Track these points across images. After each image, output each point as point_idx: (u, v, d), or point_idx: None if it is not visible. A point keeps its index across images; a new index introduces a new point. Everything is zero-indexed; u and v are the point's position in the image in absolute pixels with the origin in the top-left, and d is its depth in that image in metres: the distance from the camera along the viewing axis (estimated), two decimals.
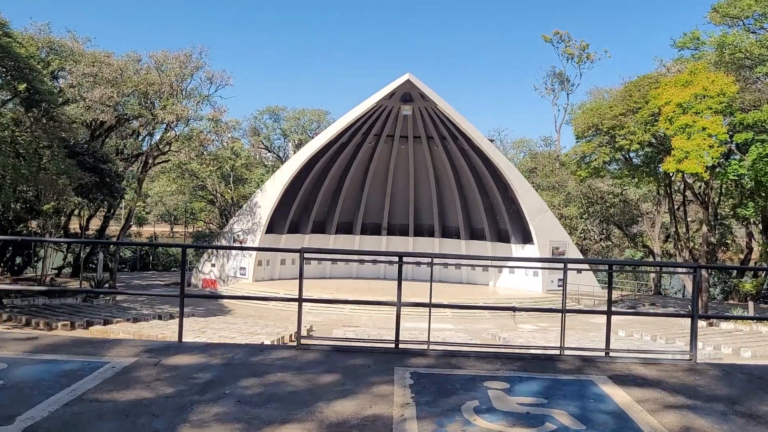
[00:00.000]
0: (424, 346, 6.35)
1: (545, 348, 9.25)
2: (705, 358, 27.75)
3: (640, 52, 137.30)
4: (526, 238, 46.16)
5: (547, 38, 66.37)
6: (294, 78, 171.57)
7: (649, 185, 48.74)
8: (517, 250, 47.18)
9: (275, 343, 26.06)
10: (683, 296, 57.52)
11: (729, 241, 53.18)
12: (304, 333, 25.95)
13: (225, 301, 41.42)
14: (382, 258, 50.73)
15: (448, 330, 34.04)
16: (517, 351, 6.79)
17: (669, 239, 58.09)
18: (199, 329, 28.13)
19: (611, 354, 6.75)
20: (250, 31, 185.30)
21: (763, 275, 42.06)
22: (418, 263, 50.57)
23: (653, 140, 37.27)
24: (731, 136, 33.32)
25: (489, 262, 44.30)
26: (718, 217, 46.55)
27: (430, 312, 6.52)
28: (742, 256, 52.02)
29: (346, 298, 40.70)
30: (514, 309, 6.97)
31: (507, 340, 30.71)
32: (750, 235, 49.00)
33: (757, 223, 48.29)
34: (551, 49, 70.11)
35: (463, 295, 42.53)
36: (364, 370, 5.26)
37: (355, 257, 49.99)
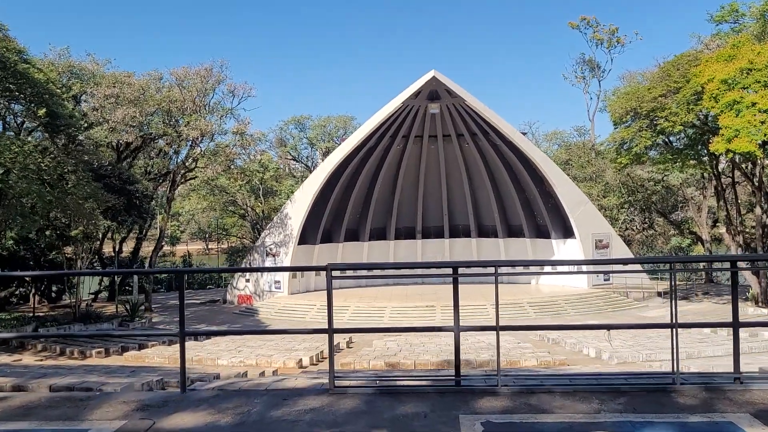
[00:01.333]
0: (492, 379, 5.02)
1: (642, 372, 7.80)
2: None
3: (672, 32, 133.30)
4: (567, 233, 44.34)
5: (573, 25, 64.31)
6: (317, 86, 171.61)
7: (693, 169, 46.51)
8: (558, 245, 45.38)
9: (314, 360, 24.94)
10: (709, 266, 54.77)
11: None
12: (342, 345, 24.72)
13: (262, 316, 40.60)
14: (425, 268, 49.46)
15: (492, 334, 32.48)
16: (611, 377, 5.40)
17: (717, 224, 55.56)
18: (236, 348, 27.16)
19: (744, 380, 5.22)
20: (267, 41, 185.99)
21: None
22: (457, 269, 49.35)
23: (697, 121, 35.27)
24: None
25: (566, 267, 42.53)
26: None
27: (498, 338, 5.20)
28: None
29: (385, 305, 39.50)
30: (608, 327, 5.51)
31: (557, 341, 29.06)
32: None
33: None
34: (579, 36, 68.06)
35: (505, 296, 40.90)
36: (420, 422, 4.01)
37: (392, 272, 49.02)
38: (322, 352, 26.68)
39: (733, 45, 33.47)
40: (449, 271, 5.27)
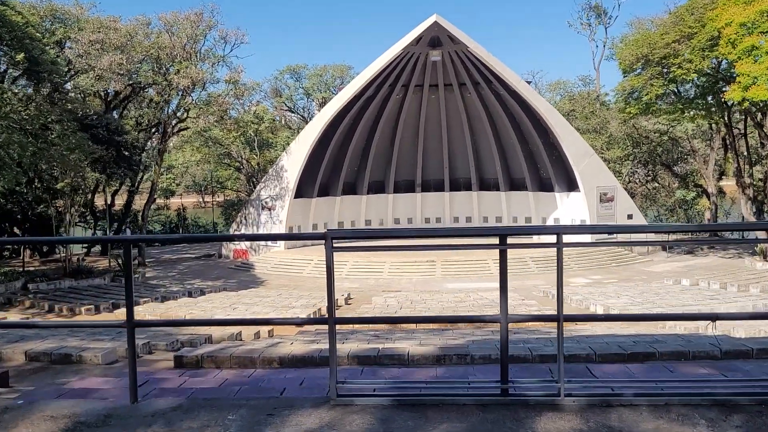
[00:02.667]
0: (551, 386, 3.77)
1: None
2: None
3: None
4: (571, 186, 43.08)
5: None
6: (313, 34, 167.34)
7: (702, 119, 44.99)
8: (561, 198, 44.18)
9: (311, 316, 23.98)
10: (742, 237, 53.91)
11: None
12: (341, 302, 23.63)
13: (258, 271, 39.65)
14: (418, 216, 48.35)
15: (496, 290, 31.56)
16: (712, 382, 4.08)
17: (723, 176, 54.31)
18: (231, 305, 26.22)
19: None
20: None
21: None
22: (456, 219, 48.30)
23: (710, 69, 33.66)
24: None
25: (569, 219, 41.39)
26: None
27: (560, 330, 4.00)
28: None
29: (383, 260, 38.54)
30: (714, 318, 4.17)
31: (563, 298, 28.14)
32: None
33: None
34: None
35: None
36: None
37: (392, 225, 47.74)
38: (320, 309, 25.79)
39: None
40: (494, 240, 4.03)
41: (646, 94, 34.71)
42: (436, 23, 37.79)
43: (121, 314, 25.14)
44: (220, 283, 35.17)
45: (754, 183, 39.32)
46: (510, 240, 3.92)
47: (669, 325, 20.39)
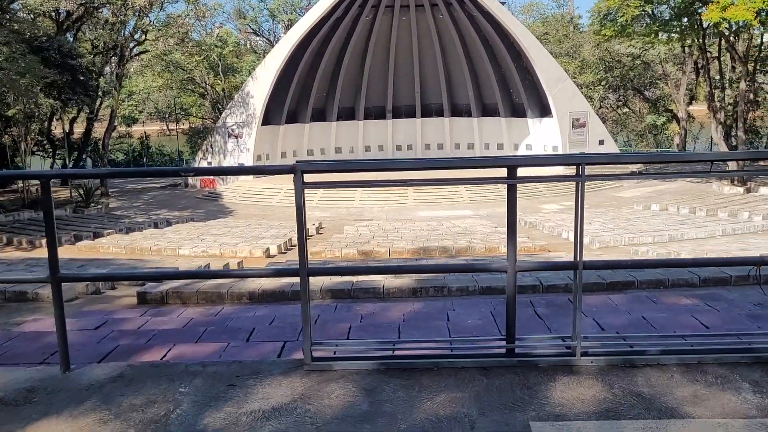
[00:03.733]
0: (561, 342, 3.21)
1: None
2: (758, 228, 25.16)
3: None
4: (544, 111, 42.48)
5: None
6: None
7: (677, 42, 44.28)
8: (534, 124, 43.64)
9: (282, 249, 23.49)
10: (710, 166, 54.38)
11: (760, 99, 49.11)
12: (312, 231, 23.08)
13: (226, 200, 38.81)
14: (389, 143, 47.50)
15: (468, 217, 31.40)
16: (745, 336, 3.55)
17: (693, 101, 54.21)
18: (198, 236, 25.56)
19: None
20: None
21: None
22: (428, 146, 47.60)
23: None
24: None
25: (541, 146, 40.84)
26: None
27: (579, 279, 3.45)
28: None
29: (354, 190, 37.93)
30: (760, 263, 3.60)
31: (534, 224, 28.09)
32: None
33: None
34: None
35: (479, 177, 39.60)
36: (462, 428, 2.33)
37: (363, 153, 46.80)
38: (290, 239, 25.25)
39: None
40: (501, 171, 3.43)
41: (621, 16, 33.73)
42: None
43: (84, 247, 24.32)
44: (187, 213, 34.32)
45: (725, 107, 39.15)
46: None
47: (641, 251, 20.43)
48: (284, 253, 23.62)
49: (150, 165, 58.28)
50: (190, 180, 43.71)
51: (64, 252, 23.80)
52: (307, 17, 39.69)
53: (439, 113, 46.76)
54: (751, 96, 38.20)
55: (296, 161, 3.08)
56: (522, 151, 44.97)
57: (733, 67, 42.05)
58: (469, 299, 9.58)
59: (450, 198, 36.30)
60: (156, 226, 29.56)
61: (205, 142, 44.51)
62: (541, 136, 43.36)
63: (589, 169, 3.15)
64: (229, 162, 42.04)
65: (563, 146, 41.69)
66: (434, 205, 35.38)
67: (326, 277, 13.61)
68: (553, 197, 37.07)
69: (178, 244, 23.40)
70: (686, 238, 23.18)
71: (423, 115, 46.87)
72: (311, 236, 27.95)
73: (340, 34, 42.83)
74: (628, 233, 23.84)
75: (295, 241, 25.58)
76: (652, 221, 27.05)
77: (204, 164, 43.16)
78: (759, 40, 37.81)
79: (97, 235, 26.59)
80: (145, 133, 64.03)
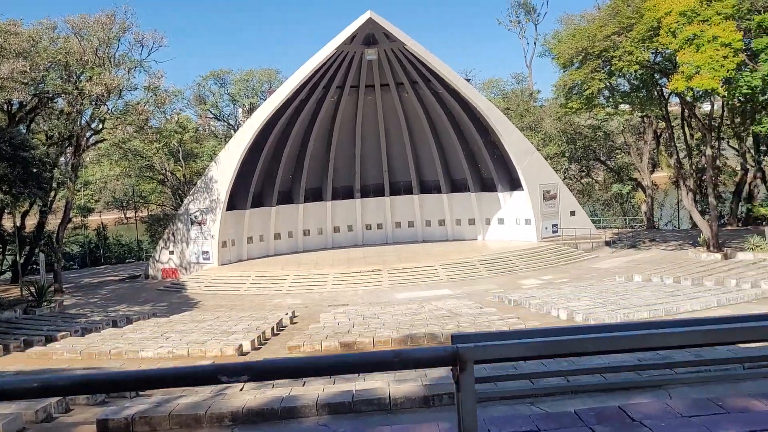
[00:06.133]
0: None
1: None
2: (752, 296, 24.36)
3: None
4: (514, 185, 42.15)
5: None
6: (237, 37, 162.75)
7: (632, 114, 45.06)
8: (505, 198, 43.18)
9: (255, 344, 21.60)
10: (678, 227, 54.77)
11: (721, 165, 50.04)
12: (286, 321, 21.20)
13: (190, 291, 36.69)
14: (358, 223, 46.41)
15: (449, 297, 30.00)
16: None
17: (656, 169, 54.98)
18: (162, 335, 23.41)
19: None
20: None
21: None
22: (398, 224, 46.64)
23: (648, 61, 33.24)
24: (747, 44, 29.47)
25: (513, 219, 39.98)
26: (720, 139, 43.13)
27: None
28: (736, 179, 49.11)
29: (327, 272, 36.39)
30: None
31: (518, 302, 26.83)
32: (744, 155, 45.94)
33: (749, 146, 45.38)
34: None
35: (455, 255, 38.55)
36: None
37: (331, 235, 45.40)
38: (264, 332, 23.37)
39: None
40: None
41: (587, 89, 33.95)
42: (370, 20, 35.96)
43: (35, 354, 21.90)
44: (148, 307, 32.11)
45: (693, 174, 39.44)
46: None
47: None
48: (258, 348, 21.75)
49: (107, 256, 55.66)
50: (151, 270, 41.55)
51: (12, 361, 21.36)
52: (271, 101, 39.07)
53: (408, 191, 46.09)
54: (717, 162, 38.54)
55: (455, 343, 1.69)
56: (494, 225, 44.32)
57: (692, 135, 42.80)
58: (501, 406, 8.04)
59: (427, 277, 34.99)
60: (115, 324, 27.29)
61: (167, 230, 42.62)
62: (513, 209, 42.89)
63: None
64: (192, 250, 40.14)
65: (536, 218, 41.21)
66: (411, 286, 33.98)
67: (318, 384, 11.86)
68: (531, 271, 36.14)
69: (141, 345, 21.32)
70: (682, 311, 22.16)
71: (392, 193, 46.13)
72: (285, 327, 26.12)
73: (305, 116, 42.31)
74: (621, 309, 22.72)
75: (268, 333, 23.81)
76: (641, 294, 26.08)
77: (165, 253, 41.12)
78: (719, 108, 38.59)
79: (49, 339, 24.20)
80: (102, 222, 61.71)
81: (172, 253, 40.90)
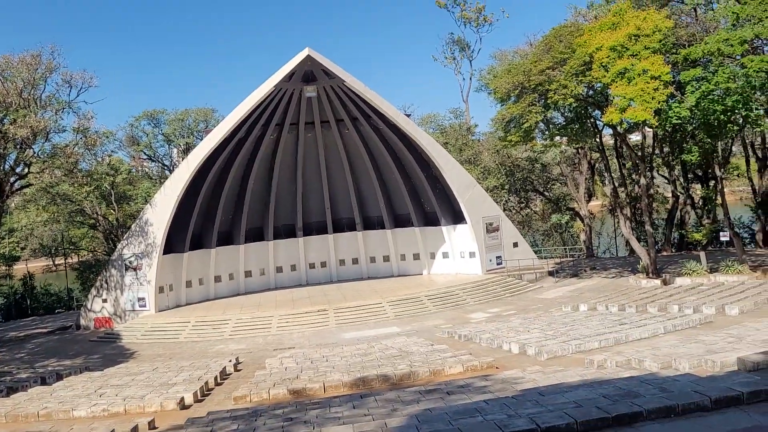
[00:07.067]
0: None
1: None
2: (696, 321, 24.73)
3: (540, 8, 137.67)
4: (457, 218, 42.26)
5: (441, 3, 62.74)
6: (173, 78, 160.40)
7: (568, 146, 46.31)
8: (449, 232, 43.20)
9: (198, 396, 20.37)
10: (616, 255, 56.10)
11: (653, 193, 51.81)
12: (229, 369, 20.13)
13: (126, 341, 34.76)
14: (302, 262, 45.48)
15: (398, 335, 29.37)
16: None
17: (592, 198, 56.49)
18: (96, 391, 21.82)
19: None
20: (111, 32, 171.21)
21: (709, 223, 40.35)
22: (342, 262, 45.94)
23: (585, 93, 34.19)
24: (675, 76, 30.65)
25: (458, 253, 39.75)
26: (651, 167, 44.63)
27: None
28: (668, 206, 50.85)
29: (271, 314, 35.22)
30: None
31: (469, 337, 26.48)
32: (674, 183, 47.66)
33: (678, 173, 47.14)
34: (447, 15, 66.46)
35: (401, 291, 38.05)
36: None
37: (274, 275, 44.24)
38: (207, 383, 22.11)
39: (614, 12, 32.54)
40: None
41: (525, 122, 34.54)
42: (309, 57, 35.71)
43: None
44: (80, 361, 30.14)
45: (629, 203, 40.55)
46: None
47: (598, 361, 19.07)
48: (201, 400, 20.49)
49: (35, 307, 52.53)
50: (82, 320, 39.31)
51: None
52: (208, 140, 38.06)
53: (351, 227, 45.57)
54: (651, 191, 39.72)
55: None
56: (439, 259, 44.21)
57: (623, 164, 44.10)
58: None
59: (374, 315, 34.31)
60: (44, 381, 25.34)
61: (100, 277, 40.55)
62: (457, 242, 42.93)
63: None
64: (127, 297, 38.24)
65: (480, 251, 41.31)
66: (358, 325, 33.20)
67: None
68: (478, 305, 35.98)
69: (72, 404, 19.75)
70: (632, 339, 22.25)
71: (335, 231, 45.49)
72: (229, 375, 24.86)
73: (244, 155, 41.43)
74: (573, 339, 22.64)
75: (212, 383, 22.55)
76: (589, 323, 26.13)
77: (98, 301, 39.02)
78: (650, 138, 39.95)
79: None
80: (28, 271, 58.41)
81: (105, 301, 38.85)
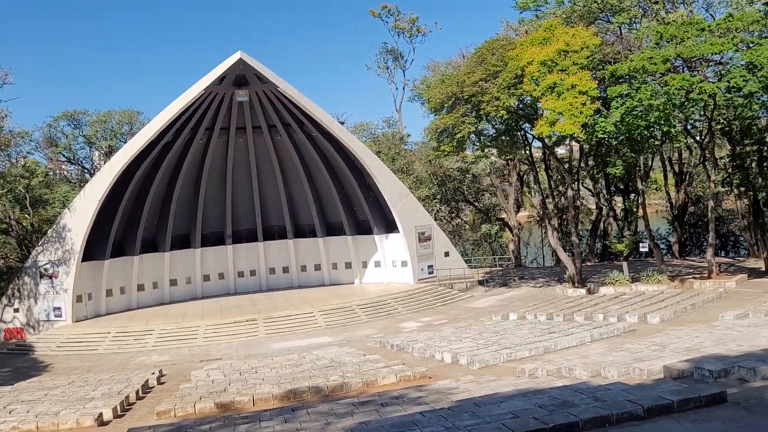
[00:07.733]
0: None
1: None
2: (621, 330, 25.42)
3: (472, 21, 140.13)
4: (390, 227, 42.22)
5: (375, 13, 62.89)
6: (98, 78, 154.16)
7: (503, 156, 47.15)
8: (381, 240, 43.08)
9: (118, 410, 19.28)
10: (543, 265, 57.45)
11: (579, 205, 53.41)
12: (152, 382, 19.22)
13: (39, 353, 32.79)
14: (230, 271, 44.29)
15: (329, 345, 28.89)
16: None
17: (521, 209, 57.70)
18: (5, 407, 20.31)
19: None
20: (36, 26, 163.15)
21: (631, 234, 41.85)
22: (273, 270, 45.07)
23: (516, 105, 34.86)
24: (602, 92, 31.65)
25: (389, 262, 39.51)
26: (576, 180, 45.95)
27: None
28: (592, 218, 52.53)
29: (197, 324, 34.05)
30: None
31: (401, 347, 26.31)
32: (598, 195, 49.28)
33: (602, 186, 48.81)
34: (382, 25, 66.62)
35: (333, 300, 37.59)
36: None
37: (201, 284, 43.06)
38: (128, 397, 20.99)
39: (546, 28, 33.38)
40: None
41: (458, 133, 34.86)
42: (241, 60, 34.89)
43: None
44: None
45: (557, 214, 41.61)
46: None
47: (529, 370, 19.21)
48: (121, 416, 19.38)
49: None
50: None
51: None
52: (133, 143, 36.55)
53: (283, 235, 44.78)
54: (577, 202, 40.88)
55: None
56: (371, 268, 44.01)
57: (551, 176, 45.31)
58: None
59: (305, 325, 33.70)
60: None
61: (11, 285, 38.13)
62: (390, 251, 42.87)
63: None
64: (41, 307, 36.12)
65: (412, 260, 41.40)
66: (289, 335, 32.52)
67: None
68: (410, 314, 35.94)
69: None
70: (561, 347, 22.62)
71: (265, 239, 44.57)
72: (152, 388, 23.73)
73: (171, 159, 40.02)
74: (504, 348, 22.80)
75: (133, 397, 21.42)
76: (519, 332, 26.44)
77: (9, 311, 36.67)
78: (576, 152, 41.11)
79: None
80: None
81: (17, 310, 36.56)
